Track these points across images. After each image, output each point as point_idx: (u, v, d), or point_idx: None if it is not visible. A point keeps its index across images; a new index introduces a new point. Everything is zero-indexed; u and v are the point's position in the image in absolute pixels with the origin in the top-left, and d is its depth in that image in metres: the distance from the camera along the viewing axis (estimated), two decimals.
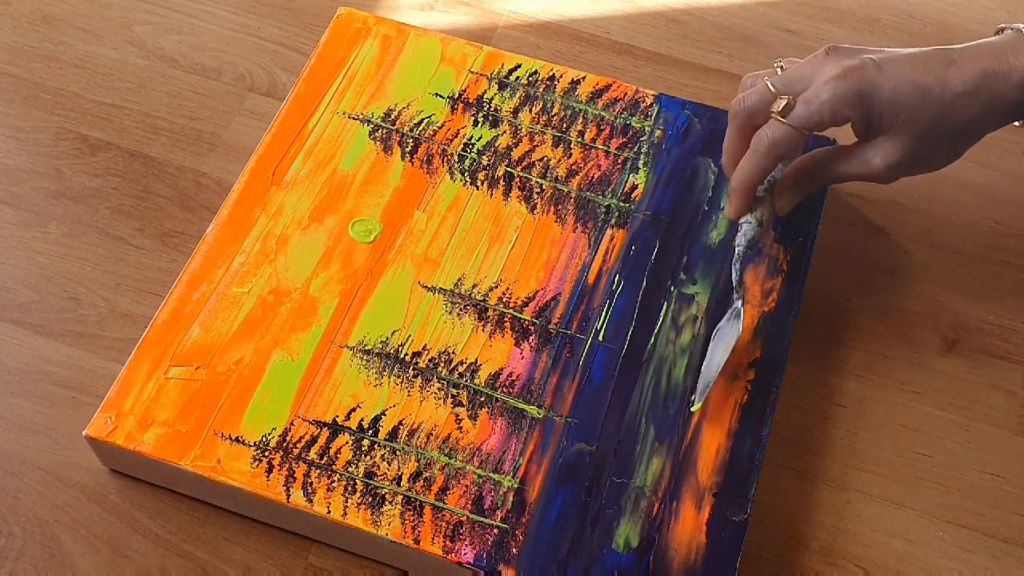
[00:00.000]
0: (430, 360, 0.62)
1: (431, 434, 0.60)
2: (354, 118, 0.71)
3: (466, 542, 0.57)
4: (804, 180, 0.62)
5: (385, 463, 0.59)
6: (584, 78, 0.73)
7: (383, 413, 0.60)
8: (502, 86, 0.73)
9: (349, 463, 0.59)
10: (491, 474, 0.59)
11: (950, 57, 0.58)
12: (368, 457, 0.59)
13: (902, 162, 0.59)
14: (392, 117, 0.71)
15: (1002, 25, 0.60)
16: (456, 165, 0.69)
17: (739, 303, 0.62)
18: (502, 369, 0.62)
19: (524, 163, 0.70)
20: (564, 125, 0.71)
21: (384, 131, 0.70)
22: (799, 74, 0.59)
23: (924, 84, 0.57)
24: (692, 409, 0.61)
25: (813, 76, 0.58)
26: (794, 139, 0.58)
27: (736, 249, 0.62)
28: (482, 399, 0.61)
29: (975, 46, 0.58)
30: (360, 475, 0.58)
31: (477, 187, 0.69)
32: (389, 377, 0.62)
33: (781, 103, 0.58)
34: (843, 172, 0.61)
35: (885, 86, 0.57)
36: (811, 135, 0.59)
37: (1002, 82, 0.57)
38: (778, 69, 0.60)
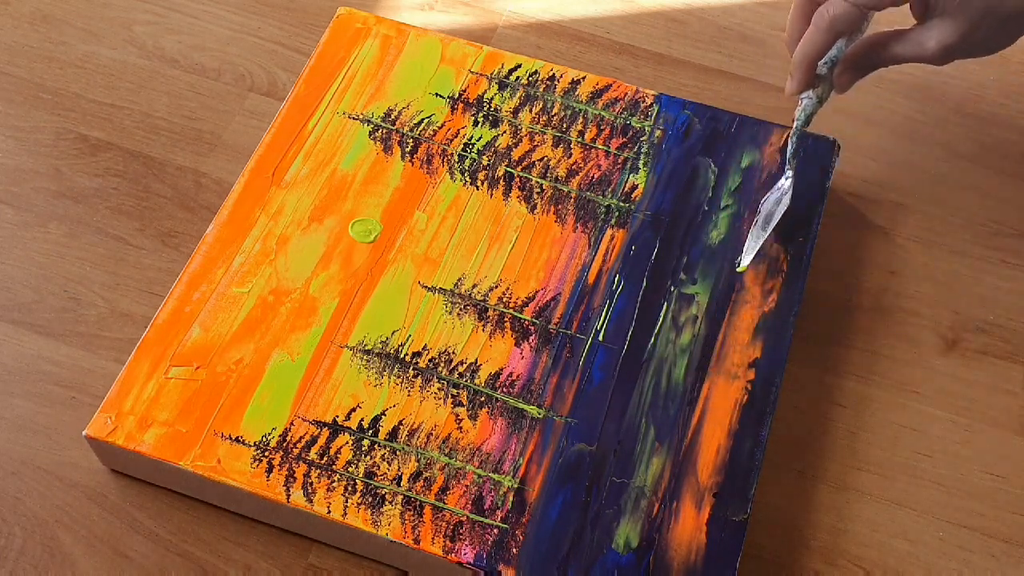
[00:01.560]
0: (430, 360, 0.62)
1: (431, 434, 0.60)
2: (354, 118, 0.71)
3: (466, 542, 0.57)
4: (863, 61, 0.63)
5: (385, 463, 0.59)
6: (584, 78, 0.73)
7: (383, 413, 0.60)
8: (502, 86, 0.73)
9: (349, 463, 0.59)
10: (491, 474, 0.59)
11: None
12: (368, 457, 0.59)
13: (956, 44, 0.59)
14: (392, 117, 0.71)
15: None
16: (456, 165, 0.69)
17: (790, 175, 0.65)
18: (502, 369, 0.62)
19: (524, 163, 0.70)
20: (564, 125, 0.71)
21: (384, 131, 0.70)
22: None
23: None
24: (738, 270, 0.63)
25: None
26: (853, 16, 0.59)
27: (795, 123, 0.65)
28: (482, 399, 0.61)
29: None
30: (360, 475, 0.58)
31: (477, 187, 0.69)
32: (389, 377, 0.62)
33: None
34: (899, 53, 0.62)
35: None
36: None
37: None
38: None
